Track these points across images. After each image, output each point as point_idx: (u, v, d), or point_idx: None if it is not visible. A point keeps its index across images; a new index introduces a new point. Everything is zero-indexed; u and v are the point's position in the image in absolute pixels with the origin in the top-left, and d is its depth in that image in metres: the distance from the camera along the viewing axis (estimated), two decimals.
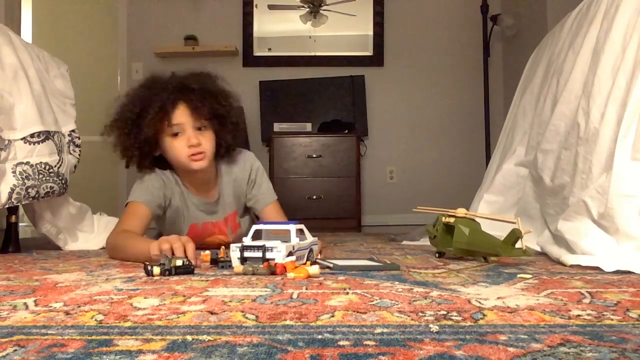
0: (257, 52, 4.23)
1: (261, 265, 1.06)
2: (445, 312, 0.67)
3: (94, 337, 0.56)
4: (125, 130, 1.48)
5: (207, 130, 1.51)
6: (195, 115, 1.48)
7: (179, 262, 1.06)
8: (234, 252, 1.11)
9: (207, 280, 0.98)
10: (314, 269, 1.02)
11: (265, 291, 0.85)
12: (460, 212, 1.29)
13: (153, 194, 1.52)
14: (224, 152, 1.59)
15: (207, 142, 1.50)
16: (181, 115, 1.47)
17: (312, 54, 4.23)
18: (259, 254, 1.09)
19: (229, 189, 1.64)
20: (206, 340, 0.54)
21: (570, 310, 0.68)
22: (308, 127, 3.72)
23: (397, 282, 0.93)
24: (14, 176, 1.57)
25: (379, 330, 0.58)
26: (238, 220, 1.69)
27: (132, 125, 1.47)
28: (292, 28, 4.27)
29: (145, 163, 1.54)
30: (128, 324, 0.62)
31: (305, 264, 1.12)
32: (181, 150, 1.48)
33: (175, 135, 1.48)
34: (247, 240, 1.13)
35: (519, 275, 1.01)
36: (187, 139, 1.47)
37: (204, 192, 1.61)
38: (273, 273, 1.03)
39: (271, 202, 1.67)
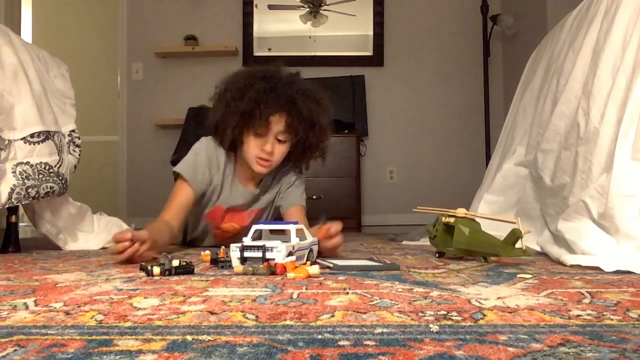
0: (257, 52, 4.23)
1: (261, 265, 1.06)
2: (445, 312, 0.67)
3: (94, 337, 0.56)
4: (222, 105, 1.51)
5: (286, 143, 1.54)
6: (285, 129, 1.51)
7: (175, 263, 1.06)
8: (234, 252, 1.11)
9: (207, 280, 0.98)
10: (314, 269, 1.02)
11: (265, 291, 0.85)
12: (460, 212, 1.29)
13: (197, 171, 1.58)
14: (288, 164, 1.65)
15: (279, 154, 1.55)
16: (275, 123, 1.49)
17: (312, 54, 4.23)
18: (259, 254, 1.09)
19: (272, 191, 1.69)
20: (206, 340, 0.54)
21: (570, 310, 0.68)
22: None
23: (397, 282, 0.93)
24: (14, 176, 1.57)
25: (379, 330, 0.58)
26: (264, 217, 1.73)
27: (231, 99, 1.49)
28: (292, 28, 4.28)
29: (218, 131, 1.57)
30: (128, 324, 0.62)
31: (305, 264, 1.12)
32: (254, 149, 1.52)
33: (258, 133, 1.50)
34: (247, 240, 1.13)
35: (519, 275, 1.01)
36: (264, 144, 1.50)
37: (248, 182, 1.66)
38: (273, 273, 1.03)
39: (297, 205, 1.67)
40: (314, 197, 3.61)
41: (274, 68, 1.57)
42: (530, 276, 1.00)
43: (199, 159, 1.59)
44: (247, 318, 0.65)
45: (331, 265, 1.13)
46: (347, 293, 0.82)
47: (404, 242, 1.96)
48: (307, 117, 1.51)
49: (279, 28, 4.30)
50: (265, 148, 1.51)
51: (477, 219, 1.29)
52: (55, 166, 1.67)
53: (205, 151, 1.61)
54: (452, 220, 1.29)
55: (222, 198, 1.64)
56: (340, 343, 0.53)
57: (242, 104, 1.47)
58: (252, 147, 1.53)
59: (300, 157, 1.62)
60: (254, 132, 1.50)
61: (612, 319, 0.63)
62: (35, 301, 0.78)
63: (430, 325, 0.60)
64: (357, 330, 0.58)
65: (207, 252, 1.26)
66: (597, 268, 1.08)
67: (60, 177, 1.70)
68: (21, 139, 1.60)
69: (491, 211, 1.83)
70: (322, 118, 1.56)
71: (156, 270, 1.03)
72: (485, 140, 3.97)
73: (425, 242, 1.84)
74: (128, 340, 0.55)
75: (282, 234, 1.24)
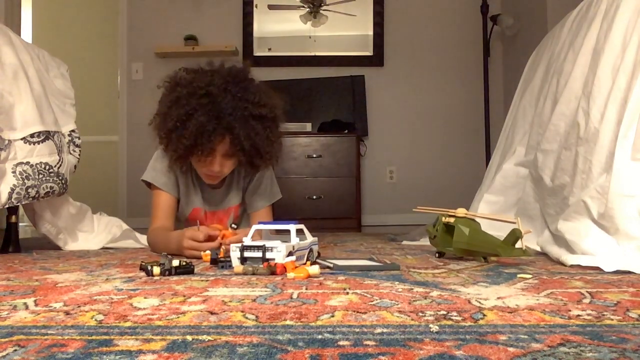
0: (257, 52, 4.23)
1: (261, 265, 1.06)
2: (445, 312, 0.67)
3: (94, 337, 0.56)
4: (164, 129, 1.48)
5: (233, 158, 1.50)
6: (231, 152, 1.47)
7: (175, 263, 1.06)
8: (234, 252, 1.11)
9: (207, 280, 0.98)
10: (314, 269, 1.02)
11: (265, 291, 0.85)
12: (460, 212, 1.29)
13: (168, 176, 1.60)
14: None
15: (228, 168, 1.53)
16: (219, 146, 1.45)
17: (312, 54, 4.23)
18: (259, 254, 1.09)
19: (237, 184, 1.69)
20: (206, 340, 0.54)
21: (570, 310, 0.68)
22: (308, 127, 3.72)
23: (397, 282, 0.93)
24: (14, 176, 1.57)
25: (379, 330, 0.58)
26: (240, 212, 1.73)
27: (173, 129, 1.45)
28: (292, 28, 4.27)
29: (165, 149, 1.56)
30: (128, 324, 0.62)
31: (305, 264, 1.12)
32: (201, 168, 1.53)
33: (204, 155, 1.46)
34: (247, 240, 1.13)
35: (519, 275, 1.01)
36: (211, 164, 1.48)
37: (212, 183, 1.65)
38: (273, 273, 1.03)
39: (262, 208, 1.69)
40: (314, 197, 3.61)
41: (219, 76, 1.46)
42: (530, 276, 1.00)
43: (162, 163, 1.60)
44: (247, 318, 0.65)
45: (331, 265, 1.13)
46: (347, 293, 0.82)
47: (404, 242, 1.96)
48: (249, 146, 1.45)
49: (279, 28, 4.30)
50: (212, 169, 1.49)
51: (477, 219, 1.29)
52: (55, 166, 1.67)
53: (164, 155, 1.58)
54: (452, 220, 1.29)
55: (195, 198, 1.64)
56: (340, 343, 0.53)
57: (183, 139, 1.42)
58: (199, 167, 1.52)
59: (251, 171, 1.60)
60: (200, 155, 1.46)
61: (612, 319, 0.63)
62: (35, 301, 0.78)
63: (430, 325, 0.60)
64: (357, 330, 0.58)
65: (207, 252, 1.26)
66: (597, 268, 1.08)
67: (60, 177, 1.69)
68: (21, 139, 1.60)
69: (491, 211, 1.83)
70: (267, 142, 1.48)
71: (156, 270, 1.03)
72: (485, 140, 3.97)
73: (425, 242, 1.83)
74: (128, 340, 0.55)
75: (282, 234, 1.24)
